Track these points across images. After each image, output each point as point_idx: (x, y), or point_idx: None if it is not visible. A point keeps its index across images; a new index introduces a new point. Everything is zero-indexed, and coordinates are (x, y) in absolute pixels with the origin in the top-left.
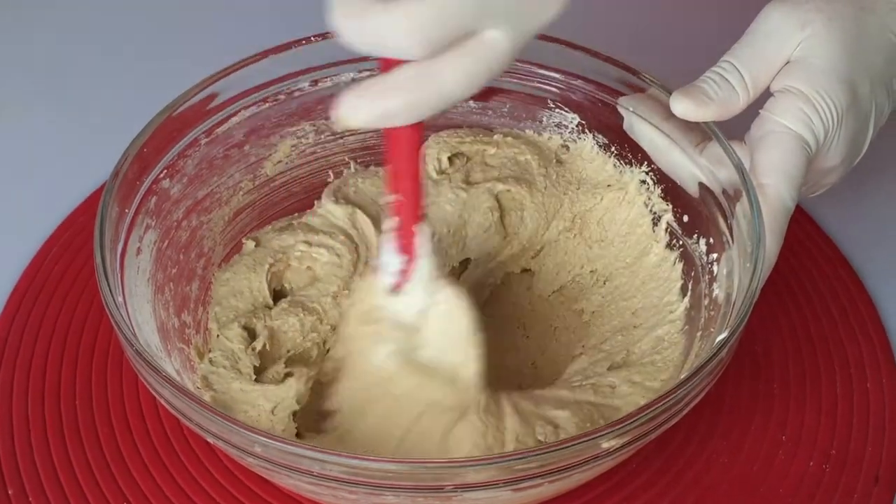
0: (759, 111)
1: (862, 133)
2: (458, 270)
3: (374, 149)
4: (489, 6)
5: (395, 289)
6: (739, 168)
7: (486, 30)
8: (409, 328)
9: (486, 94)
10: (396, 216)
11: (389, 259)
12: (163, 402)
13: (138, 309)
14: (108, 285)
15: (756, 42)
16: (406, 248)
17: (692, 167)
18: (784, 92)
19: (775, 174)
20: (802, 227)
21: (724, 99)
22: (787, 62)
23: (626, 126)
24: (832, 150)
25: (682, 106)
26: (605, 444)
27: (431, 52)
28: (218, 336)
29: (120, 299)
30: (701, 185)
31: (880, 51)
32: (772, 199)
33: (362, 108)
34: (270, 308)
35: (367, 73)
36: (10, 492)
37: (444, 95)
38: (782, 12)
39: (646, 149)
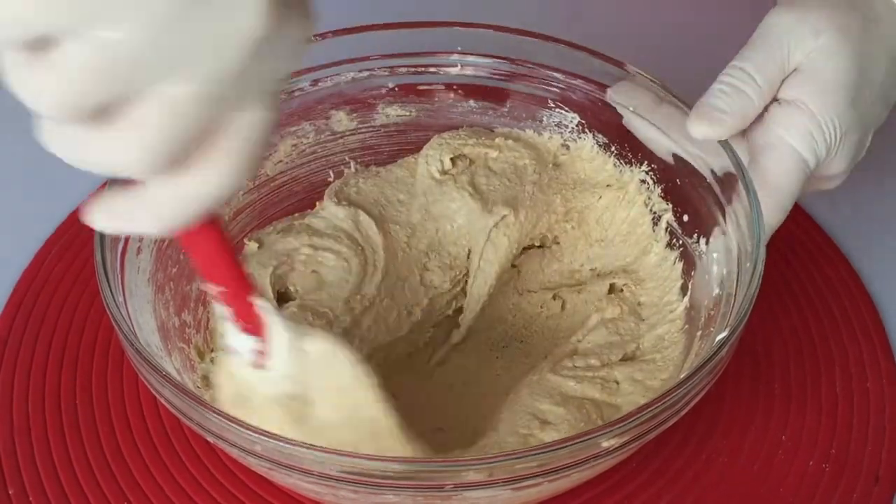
0: (764, 115)
1: (862, 143)
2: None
3: (375, 148)
4: (228, 97)
5: (259, 366)
6: (740, 168)
7: (234, 115)
8: (290, 397)
9: (488, 94)
10: (226, 304)
11: (239, 342)
12: (163, 401)
13: (139, 309)
14: (109, 285)
15: (767, 46)
16: (252, 328)
17: (689, 161)
18: (791, 104)
19: (767, 194)
20: (802, 227)
21: (740, 110)
22: (796, 69)
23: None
24: (834, 163)
25: (700, 130)
26: (605, 444)
27: (171, 167)
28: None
29: (120, 299)
30: (701, 184)
31: (882, 62)
32: None
33: (101, 222)
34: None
35: (368, 73)
36: (10, 491)
37: (210, 196)
38: (794, 17)
39: (641, 140)
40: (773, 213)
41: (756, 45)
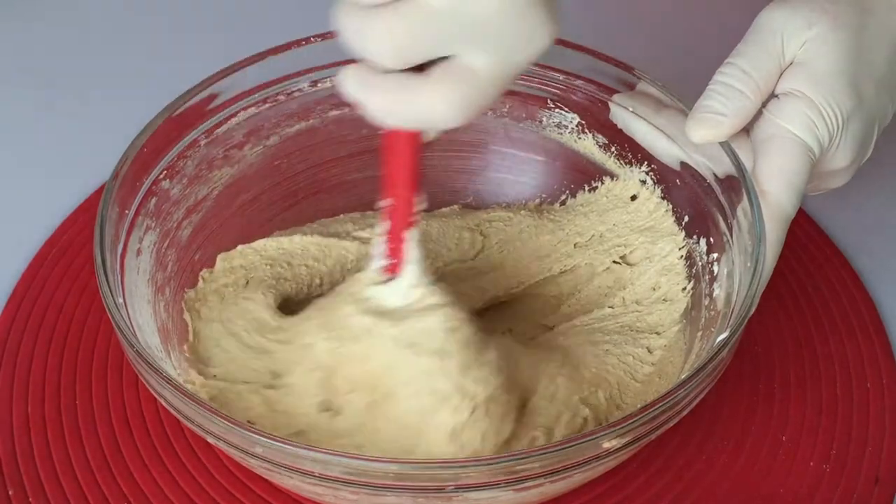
0: (763, 111)
1: (868, 136)
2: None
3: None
4: (469, 33)
5: (385, 281)
6: (740, 168)
7: (466, 55)
8: (393, 314)
9: None
10: (388, 221)
11: (379, 263)
12: (164, 402)
13: (139, 310)
14: (109, 286)
15: (761, 41)
16: (394, 253)
17: (690, 163)
18: (789, 95)
19: (777, 181)
20: (802, 227)
21: (737, 110)
22: (791, 63)
23: (620, 124)
24: (838, 154)
25: (699, 134)
26: (607, 444)
27: (403, 65)
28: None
29: (120, 300)
30: (701, 184)
31: (882, 52)
32: (772, 207)
33: (349, 86)
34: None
35: None
36: (10, 492)
37: (421, 113)
38: (786, 12)
39: (643, 146)
40: (788, 199)
41: (750, 41)
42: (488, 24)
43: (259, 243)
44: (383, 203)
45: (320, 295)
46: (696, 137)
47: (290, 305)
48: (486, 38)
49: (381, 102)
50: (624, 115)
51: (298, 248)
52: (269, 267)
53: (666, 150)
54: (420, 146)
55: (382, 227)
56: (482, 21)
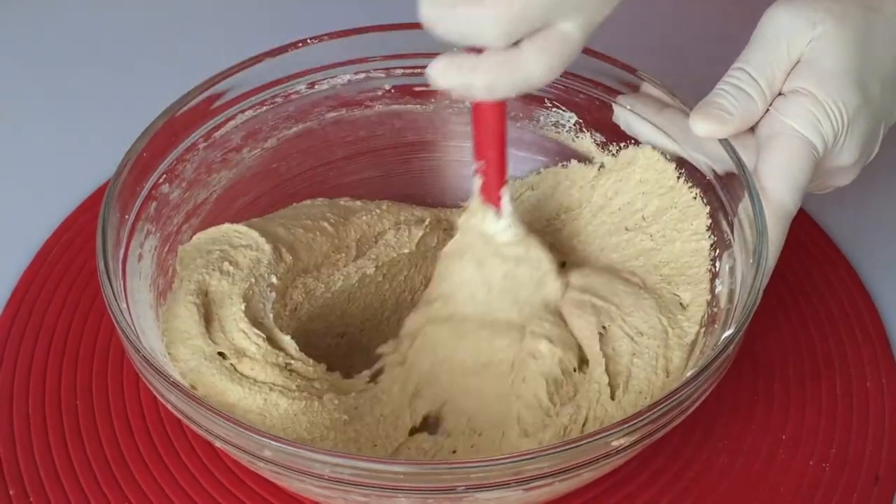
0: (769, 109)
1: (874, 134)
2: None
3: (373, 149)
4: (561, 4)
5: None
6: (740, 165)
7: (560, 23)
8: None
9: None
10: (482, 179)
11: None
12: (170, 407)
13: (141, 314)
14: (112, 291)
15: (767, 44)
16: (495, 203)
17: (691, 163)
18: (794, 93)
19: (780, 178)
20: (802, 227)
21: (744, 111)
22: (798, 62)
23: (623, 125)
24: (843, 152)
25: (704, 127)
26: (615, 443)
27: (509, 43)
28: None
29: (123, 305)
30: (701, 180)
31: (888, 51)
32: (773, 204)
33: (450, 75)
34: None
35: (364, 74)
36: (11, 492)
37: (523, 81)
38: (790, 12)
39: (643, 143)
40: (790, 196)
41: (756, 44)
42: None
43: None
44: (476, 166)
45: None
46: (701, 130)
47: None
48: (576, 5)
49: (488, 80)
50: (626, 115)
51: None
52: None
53: (668, 149)
54: (505, 113)
55: (477, 188)
56: None
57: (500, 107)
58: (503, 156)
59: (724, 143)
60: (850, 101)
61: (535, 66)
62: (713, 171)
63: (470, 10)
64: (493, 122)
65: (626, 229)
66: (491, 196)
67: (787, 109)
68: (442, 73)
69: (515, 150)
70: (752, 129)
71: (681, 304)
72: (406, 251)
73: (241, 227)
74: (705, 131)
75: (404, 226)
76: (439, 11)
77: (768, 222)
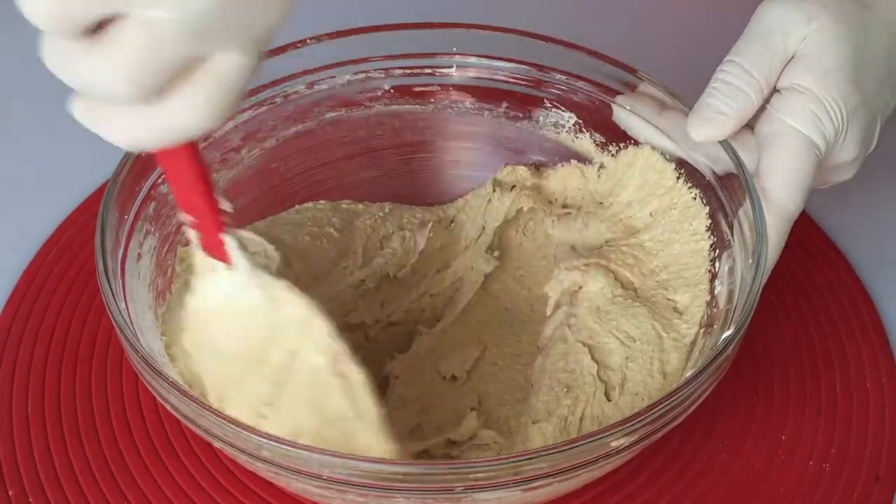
0: (766, 107)
1: (872, 128)
2: None
3: (372, 150)
4: (208, 33)
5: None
6: (740, 166)
7: (214, 54)
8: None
9: (484, 94)
10: (198, 234)
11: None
12: (169, 407)
13: (140, 314)
14: (111, 291)
15: (761, 38)
16: (220, 256)
17: (690, 163)
18: (792, 90)
19: (782, 179)
20: (802, 227)
21: (740, 108)
22: (793, 57)
23: (623, 125)
24: (843, 149)
25: (701, 133)
26: (615, 443)
27: (150, 94)
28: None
29: (122, 305)
30: (700, 182)
31: (882, 47)
32: (776, 206)
33: (86, 121)
34: None
35: (363, 75)
36: (10, 493)
37: (179, 132)
38: (785, 6)
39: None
40: (791, 197)
41: (749, 37)
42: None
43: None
44: (185, 220)
45: None
46: (699, 136)
47: None
48: (228, 29)
49: (128, 136)
50: (626, 116)
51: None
52: None
53: (668, 150)
54: (198, 154)
55: (195, 241)
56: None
57: (186, 149)
58: (211, 198)
59: (724, 143)
60: (849, 99)
61: (191, 113)
62: (713, 171)
63: (84, 61)
64: (183, 167)
65: (623, 233)
66: (214, 249)
67: (786, 108)
68: (80, 116)
69: (515, 149)
70: (751, 127)
71: (675, 309)
72: (413, 259)
73: (249, 234)
74: (703, 137)
75: (409, 232)
76: (59, 59)
77: (769, 223)
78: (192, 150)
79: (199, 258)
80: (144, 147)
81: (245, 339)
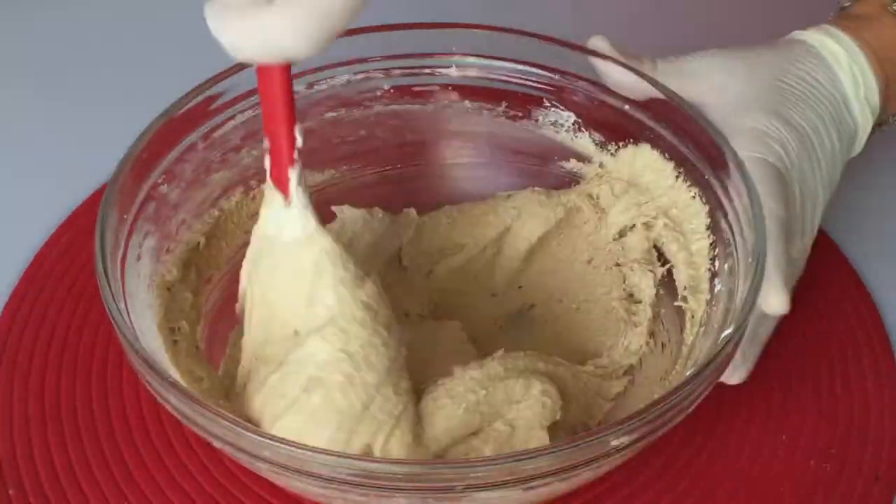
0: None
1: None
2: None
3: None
4: None
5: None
6: (739, 165)
7: None
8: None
9: (483, 94)
10: (271, 159)
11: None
12: (168, 407)
13: (140, 315)
14: (111, 291)
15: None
16: (282, 188)
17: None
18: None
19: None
20: None
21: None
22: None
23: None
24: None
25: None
26: (615, 442)
27: (316, 53)
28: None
29: (122, 305)
30: (699, 182)
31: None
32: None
33: (213, 18)
34: None
35: (363, 75)
36: (10, 492)
37: (279, 45)
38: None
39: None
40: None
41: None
42: None
43: None
44: (265, 144)
45: None
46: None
47: None
48: None
49: (231, 36)
50: (596, 62)
51: None
52: None
53: (636, 86)
54: (289, 82)
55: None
56: None
57: (280, 72)
58: (290, 128)
59: (724, 143)
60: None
61: (290, 25)
62: (712, 170)
63: (266, 18)
64: (273, 88)
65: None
66: (280, 177)
67: (737, 143)
68: (209, 14)
69: (514, 149)
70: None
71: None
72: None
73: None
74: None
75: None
76: (230, 19)
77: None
78: (285, 75)
79: (269, 189)
80: (245, 56)
81: (289, 273)
